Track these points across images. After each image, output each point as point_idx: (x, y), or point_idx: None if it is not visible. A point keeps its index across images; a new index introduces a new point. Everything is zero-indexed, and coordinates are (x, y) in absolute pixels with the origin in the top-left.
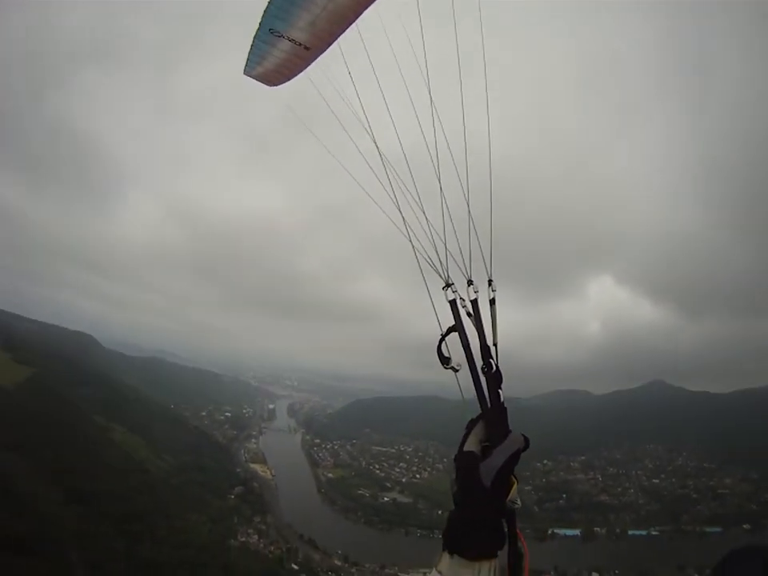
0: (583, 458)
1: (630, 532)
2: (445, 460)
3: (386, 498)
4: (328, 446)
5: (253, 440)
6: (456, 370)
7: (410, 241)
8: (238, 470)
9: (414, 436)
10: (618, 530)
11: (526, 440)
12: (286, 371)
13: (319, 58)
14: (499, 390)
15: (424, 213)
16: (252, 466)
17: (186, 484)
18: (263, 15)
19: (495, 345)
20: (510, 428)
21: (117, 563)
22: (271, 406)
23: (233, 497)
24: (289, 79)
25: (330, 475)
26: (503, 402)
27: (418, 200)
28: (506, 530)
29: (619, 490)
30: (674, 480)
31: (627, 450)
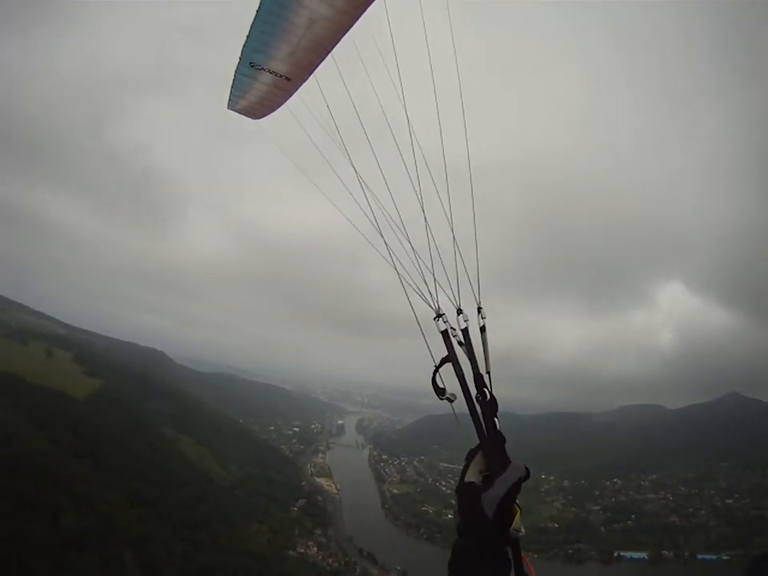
0: (654, 476)
1: (700, 556)
2: None
3: (449, 515)
4: (395, 462)
5: (320, 455)
6: (451, 401)
7: (396, 270)
8: (303, 483)
9: None
10: (686, 554)
11: (527, 469)
12: (356, 387)
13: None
14: (495, 419)
15: (410, 242)
16: (317, 479)
17: (250, 495)
18: (243, 49)
19: (488, 372)
20: (510, 457)
21: (172, 567)
22: (340, 422)
23: (296, 509)
24: (272, 111)
25: (396, 491)
26: (500, 431)
27: (403, 230)
28: (511, 556)
29: (690, 510)
30: (748, 500)
31: (700, 468)
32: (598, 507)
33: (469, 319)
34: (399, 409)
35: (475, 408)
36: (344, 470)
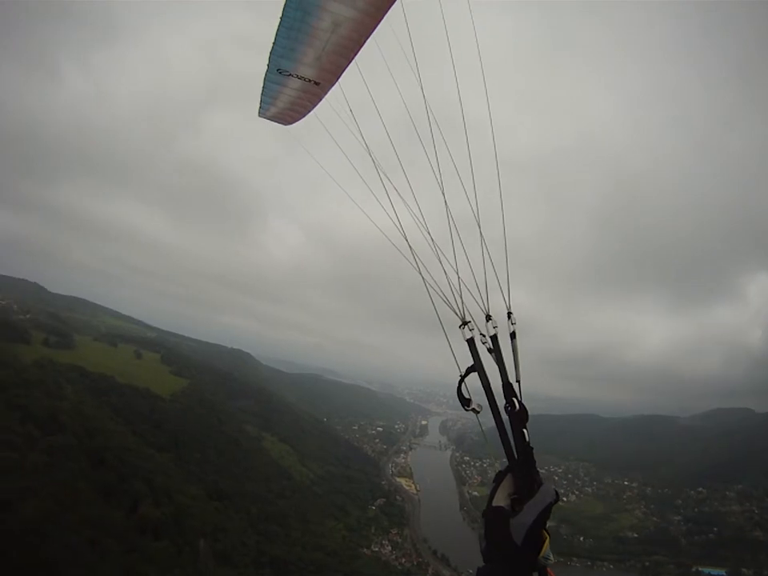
0: (740, 486)
1: None
2: (595, 483)
3: None
4: (477, 464)
5: (402, 455)
6: (477, 412)
7: (421, 275)
8: (383, 482)
9: (565, 456)
10: (766, 573)
11: (557, 493)
12: (441, 388)
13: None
14: (524, 430)
15: (436, 247)
16: (398, 479)
17: (329, 492)
18: (270, 56)
19: (518, 381)
20: (543, 479)
21: (245, 557)
22: (424, 422)
23: (374, 508)
24: (303, 116)
25: (475, 493)
26: (528, 442)
27: (428, 233)
28: None
29: None
30: None
31: None
32: (679, 517)
33: (498, 326)
34: (483, 410)
35: (502, 421)
36: (425, 471)
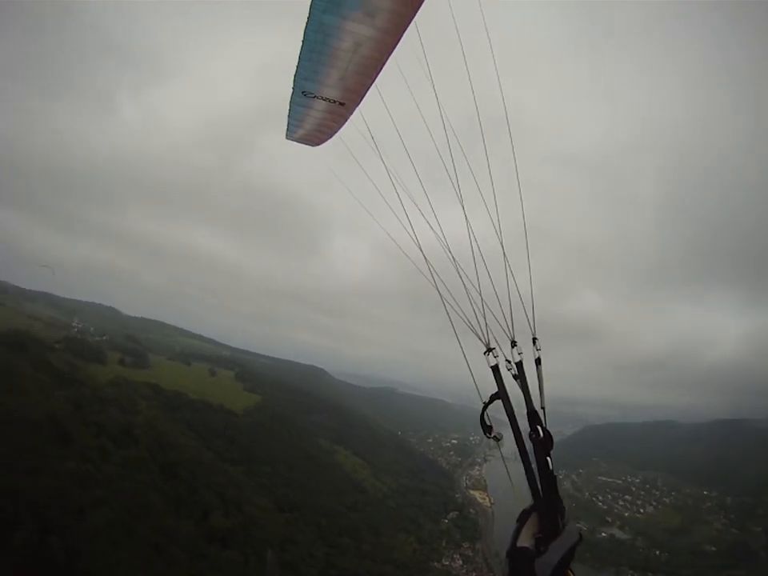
0: None
1: None
2: (673, 494)
3: (603, 534)
4: None
5: (476, 467)
6: (497, 439)
7: (444, 302)
8: (457, 495)
9: (642, 465)
10: None
11: (580, 534)
12: (517, 398)
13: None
14: (548, 458)
15: (460, 274)
16: (472, 492)
17: (402, 506)
18: (294, 79)
19: (543, 408)
20: (565, 520)
21: (312, 568)
22: (501, 433)
23: (446, 521)
24: (330, 137)
25: None
26: (552, 471)
27: (453, 260)
28: None
29: None
30: None
31: None
32: (760, 529)
33: (522, 351)
34: (558, 419)
35: (525, 450)
36: (499, 483)
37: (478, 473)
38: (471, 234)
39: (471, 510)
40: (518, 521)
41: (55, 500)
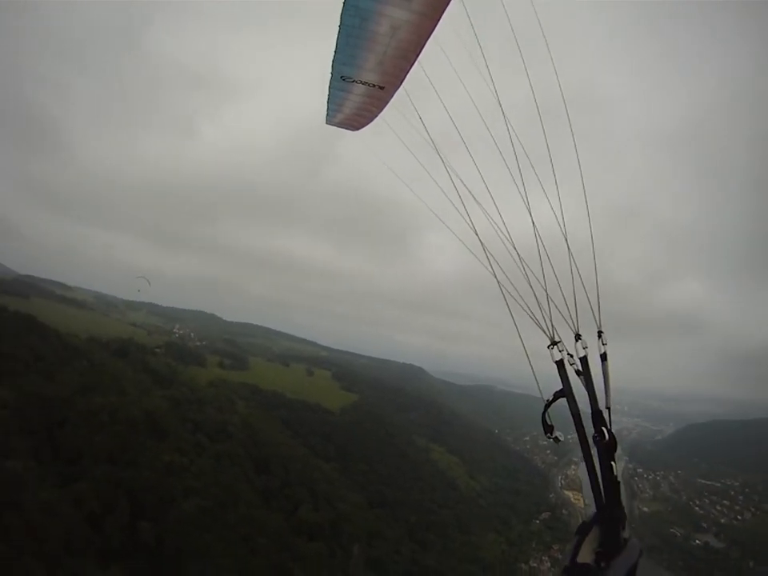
0: None
1: None
2: None
3: (697, 541)
4: (650, 477)
5: (573, 466)
6: (558, 441)
7: (503, 293)
8: (551, 495)
9: (745, 467)
10: None
11: (641, 549)
12: (616, 394)
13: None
14: (612, 463)
15: (523, 264)
16: (566, 492)
17: (494, 505)
18: (332, 64)
19: (608, 408)
20: (627, 534)
21: (397, 564)
22: None
23: (538, 522)
24: (371, 120)
25: (645, 509)
26: (617, 476)
27: (514, 249)
28: None
29: None
30: None
31: None
32: None
33: (588, 346)
34: (659, 417)
35: (590, 452)
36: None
37: (573, 472)
38: (534, 226)
39: (564, 511)
40: (577, 534)
41: (150, 489)
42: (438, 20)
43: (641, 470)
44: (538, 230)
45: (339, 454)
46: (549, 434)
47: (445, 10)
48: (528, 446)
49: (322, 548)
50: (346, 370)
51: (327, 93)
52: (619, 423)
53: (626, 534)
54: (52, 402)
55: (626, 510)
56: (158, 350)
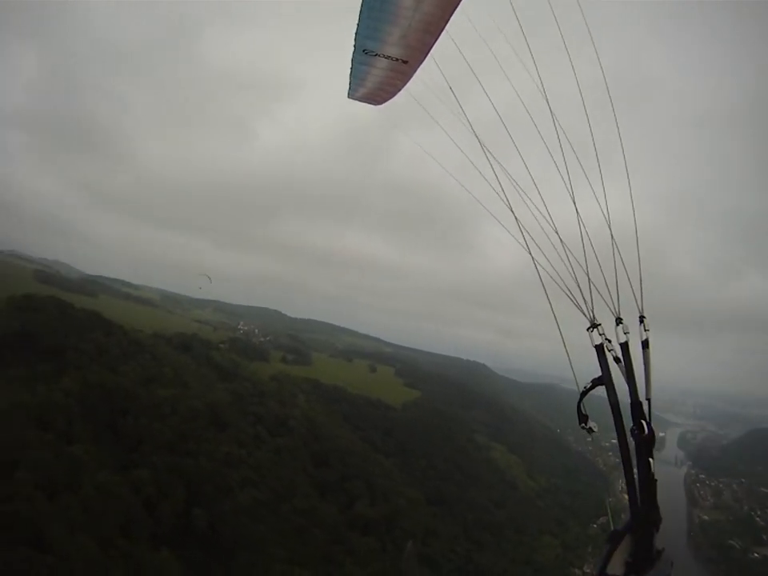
0: None
1: None
2: None
3: (756, 554)
4: (712, 483)
5: (635, 469)
6: (592, 431)
7: (539, 274)
8: (610, 499)
9: None
10: None
11: (672, 563)
12: (682, 395)
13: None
14: (650, 460)
15: (562, 243)
16: (626, 496)
17: (551, 506)
18: (355, 37)
19: (648, 400)
20: (660, 545)
21: (450, 563)
22: (661, 434)
23: (595, 526)
24: (393, 95)
25: (706, 517)
26: (653, 474)
27: (553, 226)
28: None
29: None
30: None
31: None
32: None
33: (629, 331)
34: (727, 420)
35: (627, 447)
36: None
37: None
38: (577, 213)
39: (623, 516)
40: (608, 542)
41: (207, 479)
42: None
43: (703, 476)
44: (579, 213)
45: (399, 450)
46: (583, 424)
47: None
48: (590, 447)
49: (374, 543)
50: (410, 366)
51: (350, 67)
52: (685, 426)
53: (659, 544)
54: (115, 392)
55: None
56: (222, 345)
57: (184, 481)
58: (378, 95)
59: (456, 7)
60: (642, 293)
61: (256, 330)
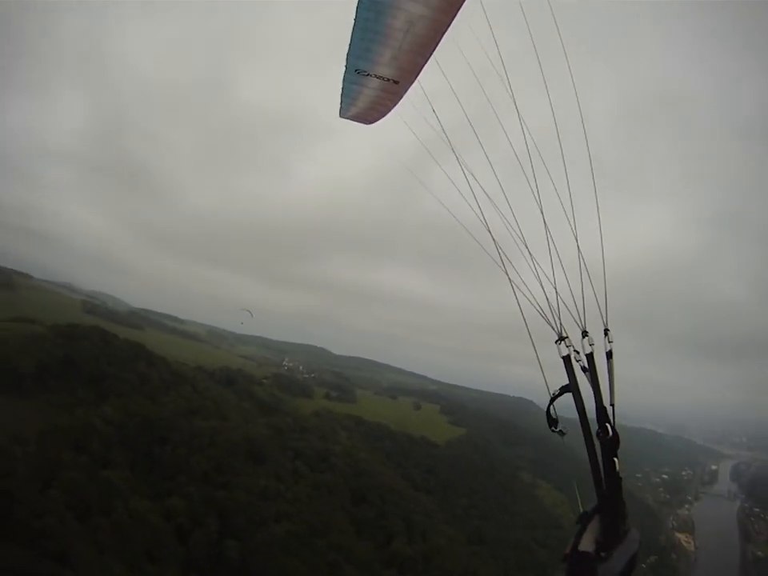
0: None
1: None
2: None
3: None
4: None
5: (686, 506)
6: (562, 434)
7: (513, 289)
8: (660, 537)
9: None
10: None
11: (640, 540)
12: (735, 425)
13: None
14: (615, 459)
15: (533, 260)
16: (677, 534)
17: None
18: (347, 57)
19: (612, 405)
20: (626, 526)
21: None
22: (714, 467)
23: (644, 565)
24: (384, 115)
25: (760, 553)
26: (618, 473)
27: (525, 244)
28: None
29: None
30: None
31: None
32: None
33: (594, 343)
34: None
35: (593, 446)
36: (708, 524)
37: (686, 512)
38: (546, 230)
39: (673, 555)
40: (578, 522)
41: (241, 510)
42: (455, 15)
43: (758, 510)
44: (548, 226)
45: (441, 487)
46: (553, 427)
47: (462, 5)
48: (640, 484)
49: None
50: (455, 403)
51: (341, 86)
52: (738, 458)
53: (625, 526)
54: (154, 421)
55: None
56: (265, 380)
57: (218, 511)
58: (370, 114)
59: (446, 30)
60: (606, 307)
61: (301, 367)
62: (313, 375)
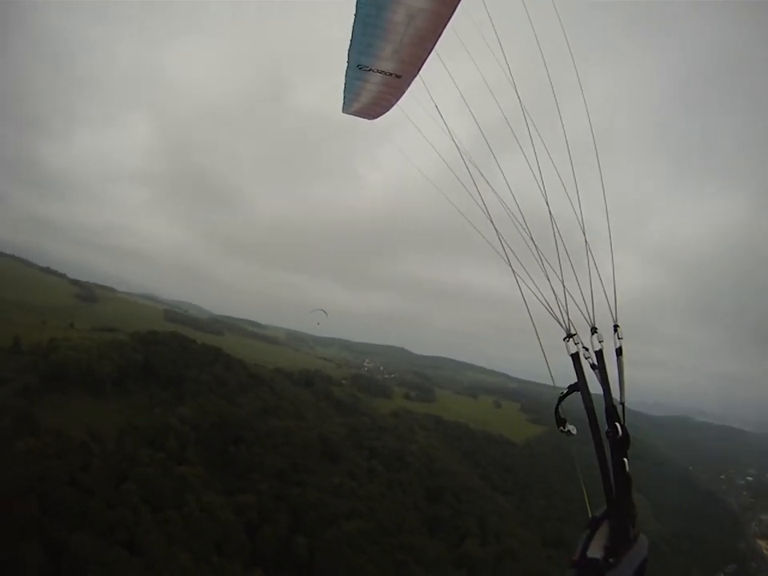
0: None
1: None
2: None
3: None
4: None
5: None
6: (570, 434)
7: (519, 286)
8: (741, 544)
9: None
10: None
11: (649, 547)
12: None
13: None
14: (624, 459)
15: (541, 255)
16: (759, 542)
17: (676, 551)
18: (348, 53)
19: (623, 404)
20: (636, 530)
21: None
22: None
23: (722, 575)
24: (387, 110)
25: None
26: (628, 473)
27: (531, 240)
28: None
29: None
30: None
31: None
32: None
33: (604, 340)
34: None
35: (603, 447)
36: None
37: None
38: (553, 222)
39: (753, 564)
40: (587, 528)
41: (313, 508)
42: (455, 7)
43: None
44: (555, 222)
45: (518, 487)
46: (561, 427)
47: None
48: (723, 486)
49: None
50: (536, 401)
51: (344, 82)
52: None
53: (635, 530)
54: (230, 421)
55: (635, 508)
56: (344, 381)
57: (289, 508)
58: (373, 109)
59: (447, 22)
60: (615, 303)
61: (381, 368)
62: (393, 375)
